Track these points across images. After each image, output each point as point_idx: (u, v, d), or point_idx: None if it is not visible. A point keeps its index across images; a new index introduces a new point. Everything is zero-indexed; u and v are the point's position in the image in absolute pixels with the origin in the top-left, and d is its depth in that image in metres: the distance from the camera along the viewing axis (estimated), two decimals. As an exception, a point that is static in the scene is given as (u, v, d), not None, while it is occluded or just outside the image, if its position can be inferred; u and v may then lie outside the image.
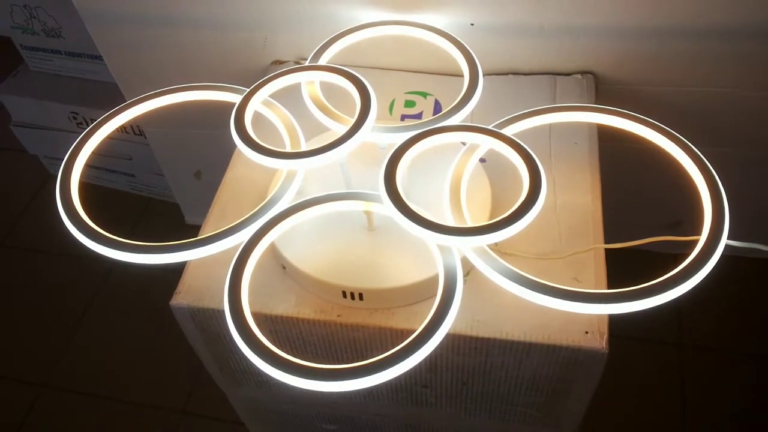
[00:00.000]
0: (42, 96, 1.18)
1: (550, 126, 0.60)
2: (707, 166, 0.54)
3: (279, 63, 0.83)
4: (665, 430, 0.97)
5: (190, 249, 0.53)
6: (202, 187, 1.12)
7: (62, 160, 0.58)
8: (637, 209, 1.03)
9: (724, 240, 0.50)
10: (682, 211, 1.02)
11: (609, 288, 0.58)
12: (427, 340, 0.46)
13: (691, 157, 0.55)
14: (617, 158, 0.80)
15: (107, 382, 1.08)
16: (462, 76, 0.66)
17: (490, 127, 0.56)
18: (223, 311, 0.57)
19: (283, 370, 0.44)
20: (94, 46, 0.92)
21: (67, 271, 1.22)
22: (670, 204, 1.01)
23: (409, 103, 0.76)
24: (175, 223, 1.23)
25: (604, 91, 0.78)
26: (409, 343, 0.46)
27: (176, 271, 0.61)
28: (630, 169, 0.91)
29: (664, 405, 0.98)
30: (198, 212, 1.21)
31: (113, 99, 1.09)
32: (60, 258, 1.24)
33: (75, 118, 1.17)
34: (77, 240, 0.55)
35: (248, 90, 0.61)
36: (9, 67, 1.24)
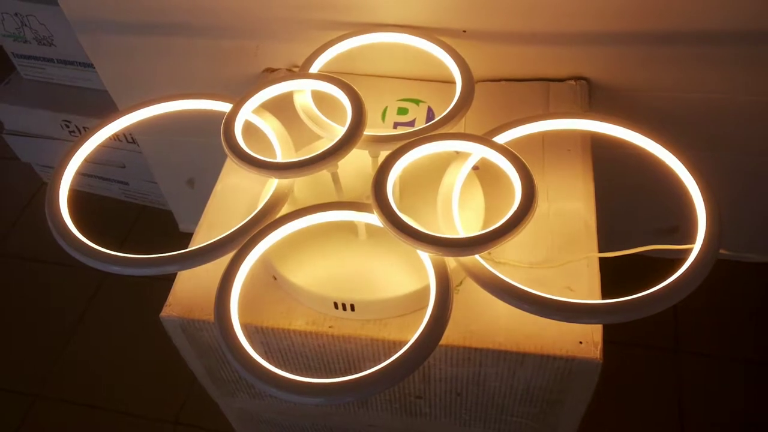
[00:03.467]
0: (34, 104, 1.17)
1: (543, 133, 0.60)
2: (701, 173, 0.54)
3: (271, 70, 0.83)
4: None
5: (179, 262, 0.52)
6: (196, 195, 1.11)
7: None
8: (633, 214, 1.03)
9: (717, 250, 0.50)
10: (678, 216, 1.02)
11: (603, 296, 0.57)
12: (419, 353, 0.46)
13: (684, 164, 0.55)
14: (612, 164, 0.80)
15: (100, 392, 1.07)
16: (455, 82, 0.65)
17: (481, 136, 0.56)
18: (212, 323, 0.57)
19: (273, 386, 0.44)
20: (86, 53, 0.91)
21: (61, 280, 1.21)
22: (666, 209, 1.01)
23: (402, 111, 0.75)
24: (169, 230, 1.22)
25: (598, 97, 0.78)
26: (400, 356, 0.45)
27: (170, 279, 0.61)
28: (625, 175, 0.90)
29: (661, 411, 0.97)
30: (192, 219, 1.21)
31: (106, 107, 1.09)
32: (53, 266, 1.23)
33: (67, 126, 1.17)
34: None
35: (238, 99, 0.60)
36: (0, 75, 1.23)
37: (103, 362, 1.11)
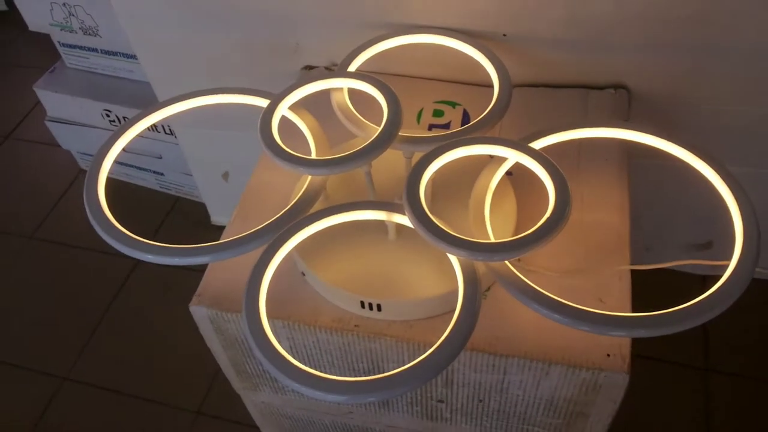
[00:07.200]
0: (77, 93, 1.20)
1: (580, 140, 0.59)
2: (741, 189, 0.53)
3: (310, 68, 0.83)
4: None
5: (211, 252, 0.53)
6: (229, 188, 1.13)
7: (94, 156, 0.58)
8: (668, 227, 1.01)
9: (753, 268, 0.49)
10: (714, 231, 1.00)
11: (633, 310, 0.56)
12: (444, 357, 0.46)
13: (724, 179, 0.53)
14: (649, 175, 0.79)
15: (126, 378, 1.09)
16: (492, 86, 0.65)
17: (517, 141, 0.55)
18: (240, 315, 0.58)
19: (300, 381, 0.44)
20: (129, 45, 0.93)
21: (94, 266, 1.24)
22: (702, 223, 0.99)
23: (438, 113, 0.75)
24: (201, 222, 1.24)
25: (637, 106, 0.77)
26: (424, 359, 0.45)
27: (199, 270, 0.61)
28: (662, 187, 0.89)
29: (688, 430, 0.95)
30: (223, 212, 1.22)
31: (146, 98, 1.12)
32: (87, 252, 1.26)
33: (108, 116, 1.19)
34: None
35: (276, 96, 0.61)
36: (47, 63, 1.26)
37: (131, 349, 1.13)
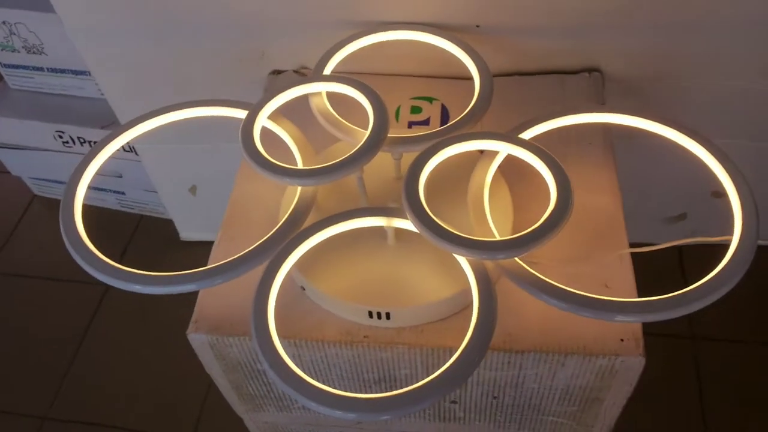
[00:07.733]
0: (25, 115, 1.13)
1: (565, 127, 0.59)
2: (732, 163, 0.53)
3: (278, 72, 0.81)
4: (685, 424, 0.96)
5: (208, 277, 0.50)
6: (197, 202, 1.09)
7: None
8: (642, 203, 1.02)
9: (756, 241, 0.49)
10: (686, 203, 1.02)
11: (638, 293, 0.57)
12: (470, 362, 0.45)
13: (715, 157, 0.54)
14: (622, 153, 0.79)
15: (111, 410, 1.04)
16: (467, 78, 0.64)
17: (511, 134, 0.55)
18: (242, 339, 0.56)
19: (328, 405, 0.42)
20: (78, 61, 0.88)
21: (61, 296, 1.18)
22: (675, 196, 1.01)
23: (416, 109, 0.74)
24: (170, 239, 1.19)
25: (612, 88, 0.77)
26: (449, 366, 0.44)
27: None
28: (635, 164, 0.90)
29: (682, 399, 0.97)
30: (193, 227, 1.18)
31: (101, 115, 1.07)
32: (52, 283, 1.20)
33: (61, 137, 1.13)
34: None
35: (254, 105, 0.58)
36: (-13, 86, 1.19)
37: (112, 380, 1.08)
